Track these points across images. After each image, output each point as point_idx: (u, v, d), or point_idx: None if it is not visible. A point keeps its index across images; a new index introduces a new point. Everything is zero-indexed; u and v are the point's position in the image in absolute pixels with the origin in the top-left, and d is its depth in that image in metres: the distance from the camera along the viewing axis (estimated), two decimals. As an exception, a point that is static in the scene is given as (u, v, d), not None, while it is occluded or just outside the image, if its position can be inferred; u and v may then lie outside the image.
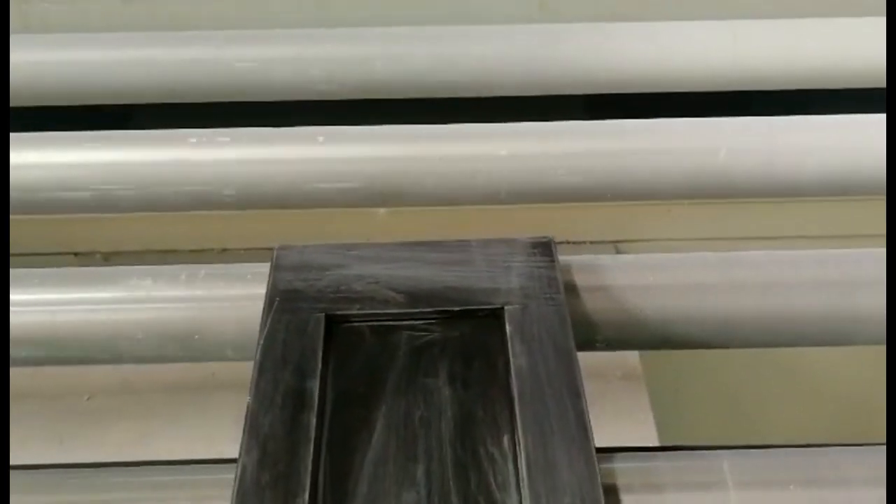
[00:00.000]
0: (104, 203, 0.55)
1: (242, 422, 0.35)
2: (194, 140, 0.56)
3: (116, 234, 0.89)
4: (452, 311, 0.40)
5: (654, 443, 0.76)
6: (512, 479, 0.34)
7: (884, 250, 0.46)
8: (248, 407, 0.36)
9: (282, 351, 0.38)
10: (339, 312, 0.40)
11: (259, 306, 0.41)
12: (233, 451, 0.34)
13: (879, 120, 0.56)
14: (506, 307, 0.40)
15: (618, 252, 0.89)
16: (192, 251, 0.90)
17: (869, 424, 1.06)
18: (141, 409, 0.76)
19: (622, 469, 0.36)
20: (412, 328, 0.40)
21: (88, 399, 0.76)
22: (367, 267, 0.43)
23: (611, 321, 0.44)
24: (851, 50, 0.67)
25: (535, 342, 0.39)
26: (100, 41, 0.67)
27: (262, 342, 0.39)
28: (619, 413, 0.75)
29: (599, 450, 0.34)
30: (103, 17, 0.74)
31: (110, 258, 0.91)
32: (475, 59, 0.66)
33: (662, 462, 0.36)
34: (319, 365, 0.38)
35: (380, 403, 0.37)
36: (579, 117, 0.60)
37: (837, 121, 0.57)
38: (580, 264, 0.46)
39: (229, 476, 0.33)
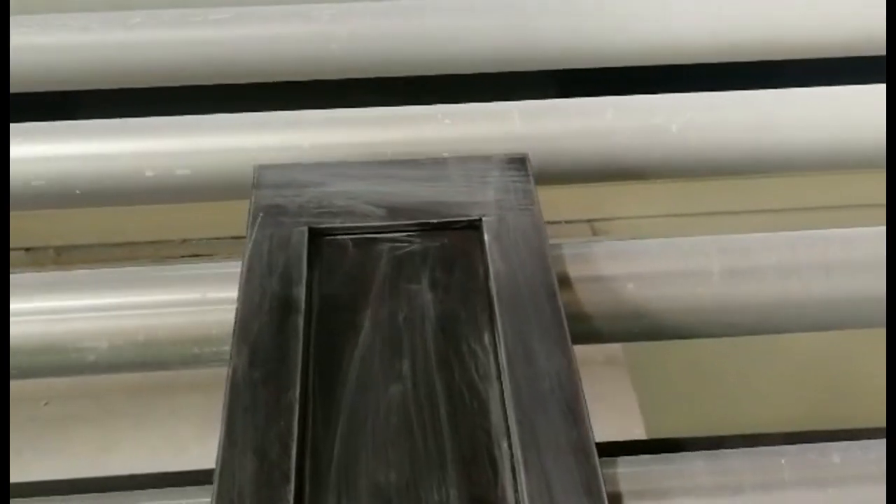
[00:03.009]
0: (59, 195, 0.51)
1: (209, 423, 0.34)
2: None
3: (69, 227, 0.83)
4: (432, 223, 0.42)
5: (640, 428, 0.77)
6: (493, 371, 0.35)
7: (876, 228, 0.45)
8: (236, 313, 0.37)
9: (267, 261, 0.39)
10: (321, 226, 0.41)
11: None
12: (202, 453, 0.34)
13: (862, 91, 0.55)
14: (483, 218, 0.42)
15: (594, 231, 0.89)
16: (150, 242, 0.85)
17: (855, 405, 1.07)
18: (102, 413, 0.71)
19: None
20: (393, 240, 0.41)
21: (46, 404, 0.71)
22: (347, 184, 0.44)
23: (604, 313, 0.43)
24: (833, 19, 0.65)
25: (512, 249, 0.40)
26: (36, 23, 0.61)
27: (247, 253, 0.40)
28: (602, 398, 0.74)
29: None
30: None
31: (63, 253, 0.85)
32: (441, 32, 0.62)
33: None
34: (304, 273, 0.39)
35: (364, 307, 0.38)
36: (551, 95, 0.58)
37: (828, 93, 0.55)
38: (571, 254, 0.44)
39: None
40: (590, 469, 0.31)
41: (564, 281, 0.42)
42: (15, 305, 0.42)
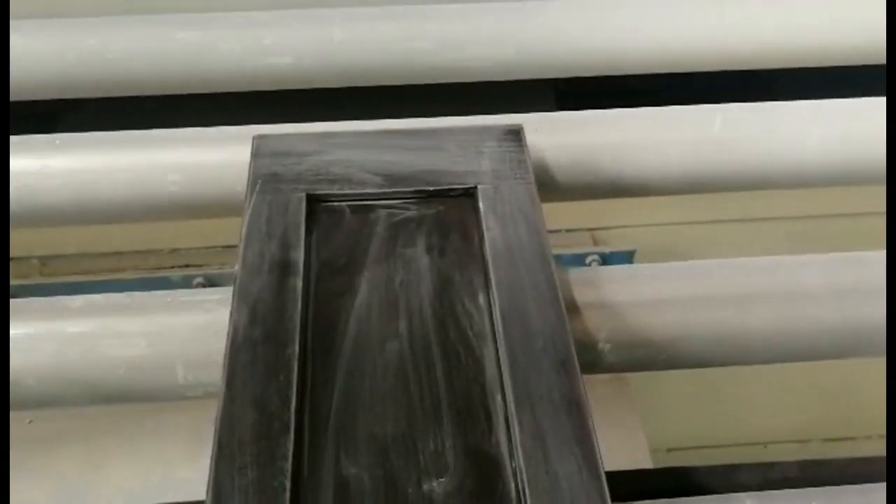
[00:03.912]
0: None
1: (198, 441, 0.33)
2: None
3: (54, 236, 0.80)
4: (428, 190, 0.42)
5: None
6: (488, 331, 0.36)
7: (875, 253, 0.45)
8: (235, 275, 0.38)
9: (266, 226, 0.40)
10: (319, 192, 0.42)
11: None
12: (192, 474, 0.33)
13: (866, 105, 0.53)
14: (479, 186, 0.42)
15: (594, 240, 0.88)
16: (138, 252, 0.83)
17: (856, 417, 1.05)
18: (88, 432, 0.68)
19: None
20: (390, 206, 0.42)
21: (30, 423, 0.69)
22: (345, 152, 0.44)
23: (618, 341, 0.42)
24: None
25: (507, 217, 0.41)
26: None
27: (246, 219, 0.40)
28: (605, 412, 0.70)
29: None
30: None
31: (48, 263, 0.82)
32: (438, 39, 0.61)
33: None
34: (303, 238, 0.40)
35: (362, 270, 0.39)
36: (551, 105, 0.60)
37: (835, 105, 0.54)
38: (580, 278, 0.43)
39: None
40: (581, 421, 0.32)
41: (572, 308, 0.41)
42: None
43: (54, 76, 0.60)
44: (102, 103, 0.62)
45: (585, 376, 0.35)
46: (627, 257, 0.86)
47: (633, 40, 0.63)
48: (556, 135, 0.50)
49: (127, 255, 0.82)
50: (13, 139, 0.50)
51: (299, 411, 0.33)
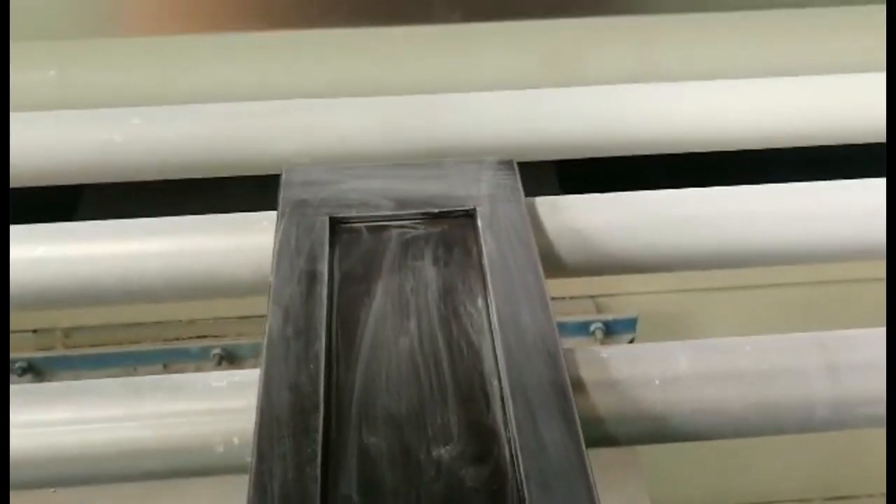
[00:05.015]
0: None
1: None
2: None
3: (76, 308, 0.79)
4: (434, 212, 0.49)
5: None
6: (486, 328, 0.42)
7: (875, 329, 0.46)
8: (270, 285, 0.44)
9: (295, 244, 0.47)
10: (340, 215, 0.49)
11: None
12: None
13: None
14: (477, 208, 0.49)
15: (598, 308, 0.89)
16: (157, 323, 0.85)
17: (857, 476, 1.07)
18: (112, 501, 0.66)
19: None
20: (401, 227, 0.49)
21: (54, 492, 0.68)
22: (362, 182, 0.51)
23: (623, 418, 0.43)
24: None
25: (502, 234, 0.47)
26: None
27: (278, 239, 0.47)
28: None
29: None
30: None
31: (71, 334, 0.85)
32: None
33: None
34: (327, 253, 0.46)
35: (377, 279, 0.45)
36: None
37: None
38: (586, 358, 0.44)
39: None
40: (566, 402, 0.38)
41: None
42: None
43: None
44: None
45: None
46: (630, 324, 0.88)
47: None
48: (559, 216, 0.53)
49: (147, 325, 0.84)
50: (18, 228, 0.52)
51: (327, 394, 0.39)
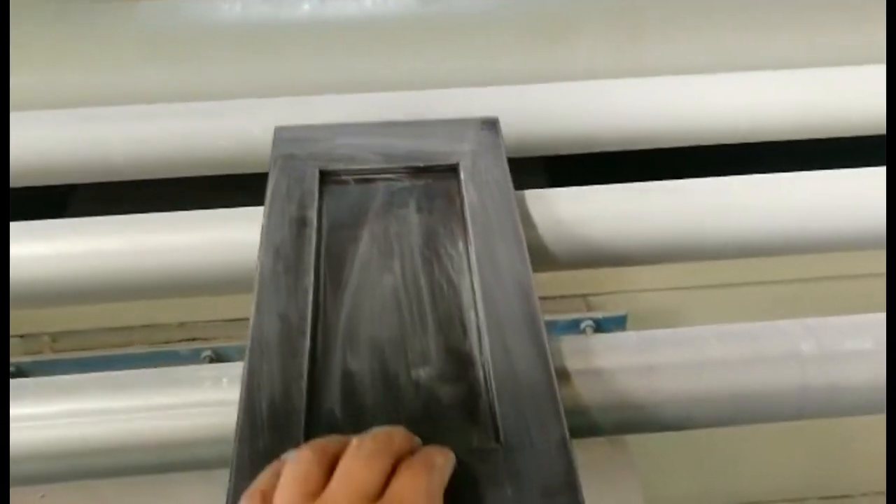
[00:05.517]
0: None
1: None
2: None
3: (64, 312, 0.81)
4: (419, 166, 0.52)
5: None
6: (465, 268, 0.45)
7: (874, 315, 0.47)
8: (262, 228, 0.47)
9: (286, 192, 0.49)
10: (329, 168, 0.51)
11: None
12: None
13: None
14: (461, 163, 0.52)
15: (588, 306, 0.90)
16: (146, 326, 0.84)
17: (851, 474, 1.07)
18: None
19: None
20: (387, 179, 0.51)
21: (43, 497, 0.69)
22: (351, 139, 0.54)
23: (609, 407, 0.43)
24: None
25: (483, 185, 0.50)
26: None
27: (270, 187, 0.49)
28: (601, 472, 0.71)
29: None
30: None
31: (59, 339, 0.83)
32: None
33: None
34: (316, 200, 0.48)
35: (364, 224, 0.48)
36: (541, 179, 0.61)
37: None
38: (572, 348, 0.44)
39: None
40: (537, 329, 0.40)
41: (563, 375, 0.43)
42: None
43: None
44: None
45: (583, 440, 0.38)
46: (620, 322, 0.89)
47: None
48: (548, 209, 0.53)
49: (136, 329, 0.83)
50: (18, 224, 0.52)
51: (314, 322, 0.41)
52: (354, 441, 0.33)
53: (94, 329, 0.82)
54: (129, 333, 0.83)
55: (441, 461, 0.33)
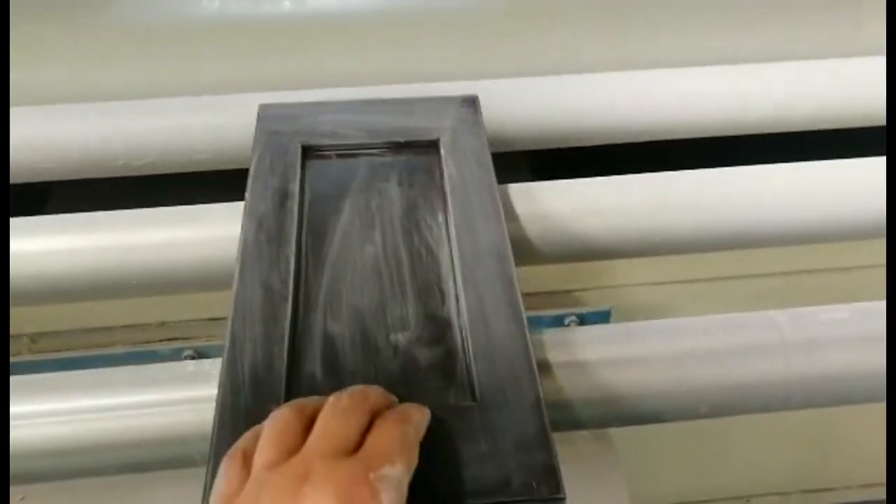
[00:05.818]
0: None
1: None
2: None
3: (43, 313, 0.79)
4: (400, 141, 0.53)
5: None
6: (445, 239, 0.46)
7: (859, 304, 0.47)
8: (245, 200, 0.48)
9: (269, 165, 0.50)
10: (312, 143, 0.52)
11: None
12: None
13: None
14: (441, 138, 0.52)
15: (572, 302, 0.89)
16: (127, 326, 0.83)
17: (835, 467, 1.07)
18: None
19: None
20: (369, 154, 0.52)
21: (22, 499, 0.67)
22: (333, 115, 0.55)
23: (590, 400, 0.43)
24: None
25: (462, 159, 0.51)
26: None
27: (254, 161, 0.50)
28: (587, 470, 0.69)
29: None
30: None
31: (38, 339, 0.82)
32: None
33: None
34: (299, 174, 0.49)
35: (345, 197, 0.49)
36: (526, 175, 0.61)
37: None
38: (554, 340, 0.44)
39: None
40: (511, 292, 0.41)
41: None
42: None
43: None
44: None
45: (566, 434, 0.38)
46: (605, 317, 0.90)
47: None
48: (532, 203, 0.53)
49: (116, 329, 0.82)
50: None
51: (296, 289, 0.42)
52: (331, 399, 0.34)
53: (73, 329, 0.82)
54: (110, 333, 0.83)
55: (417, 416, 0.34)
